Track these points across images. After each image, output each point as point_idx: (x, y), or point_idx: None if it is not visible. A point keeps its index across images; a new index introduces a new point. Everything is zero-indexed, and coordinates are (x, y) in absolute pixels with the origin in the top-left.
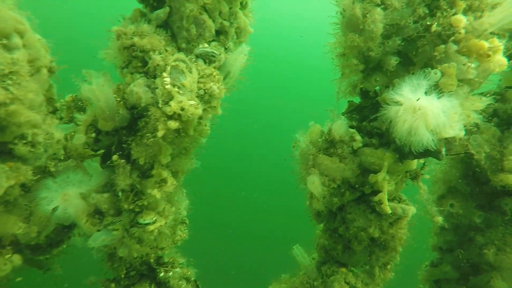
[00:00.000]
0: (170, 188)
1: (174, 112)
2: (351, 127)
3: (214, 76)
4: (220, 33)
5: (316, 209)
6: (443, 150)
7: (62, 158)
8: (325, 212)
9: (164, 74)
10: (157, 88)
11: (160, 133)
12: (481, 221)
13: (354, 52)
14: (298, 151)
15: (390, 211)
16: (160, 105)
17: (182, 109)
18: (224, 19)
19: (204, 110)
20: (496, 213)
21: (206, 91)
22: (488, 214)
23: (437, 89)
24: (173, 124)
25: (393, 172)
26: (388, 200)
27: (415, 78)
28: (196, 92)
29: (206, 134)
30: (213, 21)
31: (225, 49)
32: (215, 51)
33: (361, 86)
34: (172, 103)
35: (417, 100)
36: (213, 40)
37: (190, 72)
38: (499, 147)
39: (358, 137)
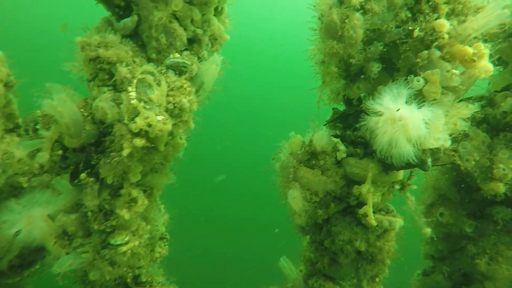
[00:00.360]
0: (141, 208)
1: (141, 129)
2: (335, 136)
3: (185, 89)
4: (193, 41)
5: (299, 225)
6: (429, 161)
7: (36, 172)
8: (310, 224)
9: (129, 88)
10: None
11: (125, 152)
12: (472, 230)
13: (334, 59)
14: (278, 163)
15: (375, 224)
16: (125, 122)
17: (149, 125)
18: (197, 27)
19: (174, 125)
20: (488, 222)
21: (175, 105)
22: (480, 223)
23: (420, 97)
24: (140, 142)
25: (378, 183)
26: (374, 211)
27: (395, 86)
28: (165, 107)
29: (182, 148)
30: (185, 29)
31: (199, 58)
32: (186, 62)
33: (344, 93)
34: (138, 119)
35: (397, 111)
36: (186, 50)
37: (159, 85)
38: (489, 154)
39: (342, 147)
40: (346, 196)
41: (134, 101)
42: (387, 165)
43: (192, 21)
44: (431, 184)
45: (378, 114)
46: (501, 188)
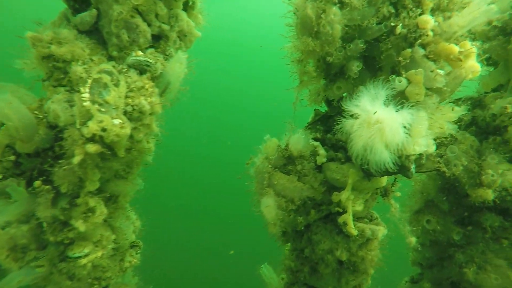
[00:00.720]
0: (99, 218)
1: (94, 134)
2: (315, 139)
3: (147, 89)
4: (159, 38)
5: (274, 233)
6: (412, 168)
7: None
8: (290, 231)
9: (82, 89)
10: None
11: (76, 159)
12: (460, 238)
13: (312, 57)
14: (253, 168)
15: (356, 233)
16: (77, 126)
17: (104, 129)
18: (163, 22)
19: (134, 129)
20: (477, 229)
21: (135, 107)
22: (468, 230)
23: (403, 99)
24: (93, 148)
25: (360, 190)
26: (357, 219)
27: (373, 87)
28: (123, 109)
29: (149, 152)
30: (149, 25)
31: (166, 56)
32: (149, 60)
33: (324, 94)
34: (90, 123)
35: (374, 114)
36: (151, 47)
37: (117, 85)
38: (477, 159)
39: (321, 151)
40: (328, 203)
41: (87, 103)
42: (368, 171)
43: (157, 16)
44: (418, 190)
45: (354, 116)
46: (489, 194)
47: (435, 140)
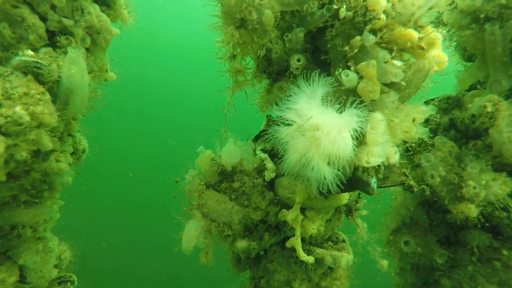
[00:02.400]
0: None
1: None
2: (264, 150)
3: (31, 97)
4: (63, 35)
5: (206, 263)
6: (372, 182)
7: None
8: (244, 258)
9: None
10: None
11: None
12: (444, 261)
13: (248, 53)
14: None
15: (311, 260)
16: None
17: None
18: (65, 16)
19: (15, 146)
20: (463, 249)
21: (8, 119)
22: (453, 251)
23: (355, 98)
24: None
25: (318, 209)
26: (319, 242)
27: (308, 85)
28: None
29: (61, 172)
30: (45, 18)
31: (81, 55)
32: (40, 61)
33: (268, 96)
34: None
35: (308, 120)
36: (47, 45)
37: None
38: (457, 168)
39: (270, 164)
40: (284, 225)
41: None
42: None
43: (54, 8)
44: (394, 205)
45: (288, 123)
46: (472, 210)
47: (401, 146)
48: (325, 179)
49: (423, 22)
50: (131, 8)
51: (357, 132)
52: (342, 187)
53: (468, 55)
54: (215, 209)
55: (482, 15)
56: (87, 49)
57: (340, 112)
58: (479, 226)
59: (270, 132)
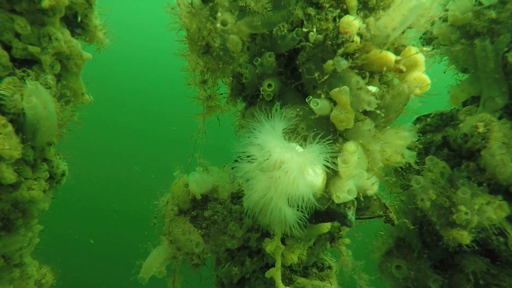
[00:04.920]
0: None
1: None
2: None
3: None
4: (31, 62)
5: None
6: (350, 214)
7: None
8: (227, 284)
9: None
10: None
11: None
12: (439, 287)
13: (218, 76)
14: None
15: None
16: None
17: None
18: (31, 43)
19: None
20: (460, 275)
21: None
22: (449, 276)
23: (329, 127)
24: None
25: (299, 238)
26: (304, 269)
27: (268, 118)
28: None
29: (36, 199)
30: (9, 47)
31: (39, 86)
32: (1, 91)
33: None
34: None
35: (268, 158)
36: (10, 74)
37: None
38: (448, 191)
39: None
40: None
41: None
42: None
43: (18, 35)
44: (386, 227)
45: (250, 159)
46: (465, 237)
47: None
48: (286, 219)
49: (405, 42)
50: (107, 29)
51: (328, 167)
52: (320, 218)
53: (463, 67)
54: (179, 239)
55: (471, 31)
56: (59, 74)
57: (305, 146)
58: (476, 248)
59: (232, 166)
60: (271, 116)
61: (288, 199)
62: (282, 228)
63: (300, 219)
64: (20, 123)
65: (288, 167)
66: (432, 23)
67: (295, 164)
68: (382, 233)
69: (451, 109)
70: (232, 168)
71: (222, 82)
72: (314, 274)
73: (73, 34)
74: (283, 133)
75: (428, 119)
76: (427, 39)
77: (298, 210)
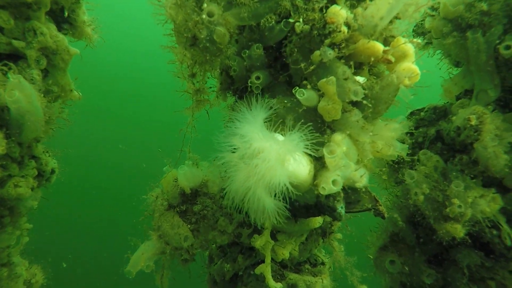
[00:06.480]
0: None
1: None
2: None
3: None
4: (15, 58)
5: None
6: (339, 208)
7: None
8: (219, 281)
9: None
10: None
11: None
12: (432, 281)
13: (207, 70)
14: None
15: (277, 287)
16: None
17: None
18: (15, 38)
19: None
20: (454, 268)
21: None
22: (443, 270)
23: (317, 118)
24: None
25: (290, 233)
26: (296, 264)
27: (249, 107)
28: None
29: (23, 196)
30: None
31: (26, 80)
32: None
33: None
34: None
35: (249, 147)
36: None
37: None
38: (442, 185)
39: None
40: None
41: None
42: (293, 211)
43: (1, 29)
44: (381, 222)
45: (232, 149)
46: (459, 231)
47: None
48: (265, 208)
49: (395, 33)
50: (95, 25)
51: (314, 157)
52: (310, 212)
53: (455, 60)
54: (168, 233)
55: (463, 23)
56: (45, 70)
57: (288, 136)
58: (469, 242)
59: (216, 157)
60: (253, 106)
61: (268, 188)
62: (261, 217)
63: (280, 208)
64: (4, 119)
65: (265, 155)
66: (424, 17)
67: (274, 152)
68: (377, 228)
69: (444, 103)
70: (214, 159)
71: (212, 75)
72: (307, 270)
73: (60, 29)
74: (265, 122)
75: (422, 113)
76: (420, 33)
77: (279, 200)
